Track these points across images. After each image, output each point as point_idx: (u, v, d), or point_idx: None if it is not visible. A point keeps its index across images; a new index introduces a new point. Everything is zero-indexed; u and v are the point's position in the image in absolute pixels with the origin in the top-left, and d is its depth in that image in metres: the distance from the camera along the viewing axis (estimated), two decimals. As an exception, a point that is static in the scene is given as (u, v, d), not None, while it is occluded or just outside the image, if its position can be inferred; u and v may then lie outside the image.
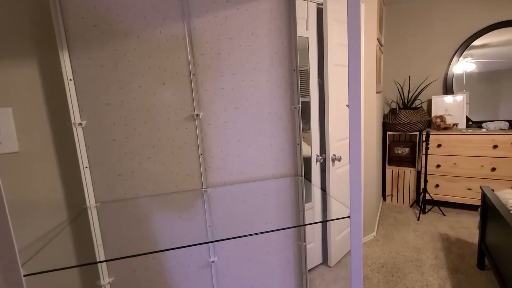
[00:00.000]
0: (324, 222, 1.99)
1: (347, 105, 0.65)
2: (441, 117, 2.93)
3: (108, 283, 0.97)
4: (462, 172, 2.75)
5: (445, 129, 2.87)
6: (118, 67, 0.91)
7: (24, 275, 0.54)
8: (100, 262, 0.91)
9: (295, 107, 1.05)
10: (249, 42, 0.99)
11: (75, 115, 0.90)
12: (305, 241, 1.13)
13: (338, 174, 2.05)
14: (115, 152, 0.94)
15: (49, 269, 0.57)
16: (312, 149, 1.98)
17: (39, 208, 0.79)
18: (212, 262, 1.06)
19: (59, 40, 0.86)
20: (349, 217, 0.70)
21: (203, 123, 1.00)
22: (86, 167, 0.92)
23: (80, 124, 0.90)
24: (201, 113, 0.99)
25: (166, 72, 0.95)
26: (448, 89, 3.06)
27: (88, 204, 0.93)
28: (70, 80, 0.88)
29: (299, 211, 1.00)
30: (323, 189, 2.00)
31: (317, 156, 2.00)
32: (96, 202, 0.94)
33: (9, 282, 0.53)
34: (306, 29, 1.84)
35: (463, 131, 2.73)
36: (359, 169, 0.66)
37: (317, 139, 1.99)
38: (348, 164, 2.15)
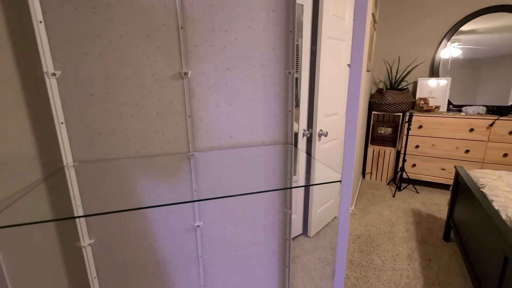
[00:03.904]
0: (314, 185, 2.03)
1: (348, 65, 0.62)
2: (424, 99, 3.00)
3: (89, 244, 0.94)
4: (438, 153, 2.88)
5: (428, 111, 2.96)
6: (96, 12, 0.81)
7: (-7, 228, 0.49)
8: (79, 217, 0.87)
9: (289, 72, 1.01)
10: (245, -5, 0.91)
11: (48, 64, 0.80)
12: (290, 209, 1.14)
13: (323, 149, 2.07)
14: (94, 108, 0.87)
15: (23, 223, 0.53)
16: (299, 124, 1.97)
17: (7, 164, 0.72)
18: (197, 226, 1.05)
19: (25, -27, 0.74)
20: (340, 181, 0.70)
21: (191, 82, 0.93)
22: (62, 122, 0.85)
23: (54, 74, 0.81)
24: (189, 72, 0.92)
25: (151, 22, 0.86)
26: (434, 72, 3.11)
27: (65, 163, 0.86)
28: (40, 22, 0.77)
29: (286, 179, 0.99)
30: (309, 153, 2.02)
31: (304, 130, 1.99)
32: (74, 161, 0.88)
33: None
34: (302, -5, 1.74)
35: (444, 114, 2.83)
36: (354, 133, 0.65)
37: (305, 114, 1.98)
38: (334, 140, 2.18)
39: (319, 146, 2.01)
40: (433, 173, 2.95)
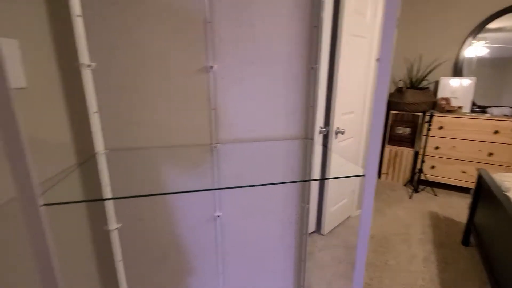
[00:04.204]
0: (330, 183, 2.03)
1: (377, 59, 0.62)
2: (446, 99, 2.91)
3: (116, 228, 0.99)
4: (459, 155, 2.79)
5: (449, 111, 2.86)
6: (130, 7, 0.85)
7: (42, 205, 0.54)
8: (114, 198, 0.92)
9: (312, 67, 1.02)
10: (271, -10, 0.92)
11: (84, 56, 0.85)
12: (308, 203, 1.15)
13: (340, 146, 2.06)
14: (125, 99, 0.91)
15: (67, 201, 0.57)
16: (316, 121, 1.96)
17: (45, 148, 0.77)
18: (217, 216, 1.09)
19: (66, -31, 0.78)
20: (363, 175, 0.70)
21: (217, 76, 0.96)
22: (95, 112, 0.89)
23: (89, 66, 0.86)
24: (215, 65, 0.95)
25: (180, 17, 0.88)
26: (457, 72, 3.00)
27: (97, 150, 0.91)
28: (79, 16, 0.82)
29: (306, 173, 1.00)
30: (326, 146, 2.02)
31: (321, 128, 1.99)
32: (105, 149, 0.93)
33: (28, 211, 0.53)
34: (324, -9, 1.73)
35: (467, 114, 2.73)
36: (381, 126, 0.65)
37: (322, 111, 1.97)
38: (350, 138, 2.16)
39: (336, 144, 2.00)
40: (453, 175, 2.86)
